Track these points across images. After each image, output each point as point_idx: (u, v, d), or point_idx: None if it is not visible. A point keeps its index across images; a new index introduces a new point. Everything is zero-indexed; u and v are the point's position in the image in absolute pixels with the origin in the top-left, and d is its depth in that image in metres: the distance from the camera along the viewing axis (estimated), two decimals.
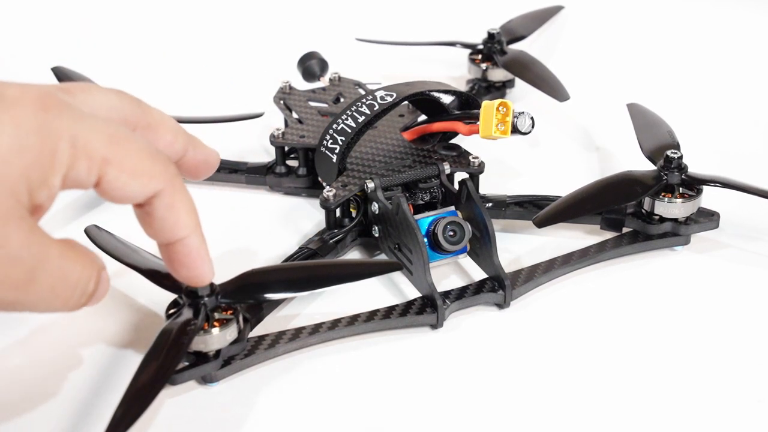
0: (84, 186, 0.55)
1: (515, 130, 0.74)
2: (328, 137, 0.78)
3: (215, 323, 0.64)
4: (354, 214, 0.77)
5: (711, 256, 0.77)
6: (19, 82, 0.54)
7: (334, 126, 0.78)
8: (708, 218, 0.78)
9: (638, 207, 0.78)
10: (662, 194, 0.76)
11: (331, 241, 0.76)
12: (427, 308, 0.70)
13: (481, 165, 0.79)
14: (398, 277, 0.74)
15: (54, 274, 0.54)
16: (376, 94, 0.79)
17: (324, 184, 0.78)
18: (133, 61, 1.10)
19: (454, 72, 1.03)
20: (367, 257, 0.78)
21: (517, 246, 0.78)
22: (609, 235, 0.78)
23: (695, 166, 0.78)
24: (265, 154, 0.89)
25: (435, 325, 0.70)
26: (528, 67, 0.96)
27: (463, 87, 0.99)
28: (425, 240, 0.71)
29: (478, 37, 1.00)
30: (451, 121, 0.80)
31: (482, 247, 0.73)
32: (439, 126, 0.81)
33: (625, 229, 0.78)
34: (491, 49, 0.99)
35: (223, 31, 1.17)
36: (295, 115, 0.86)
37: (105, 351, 0.68)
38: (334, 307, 0.71)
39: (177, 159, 0.62)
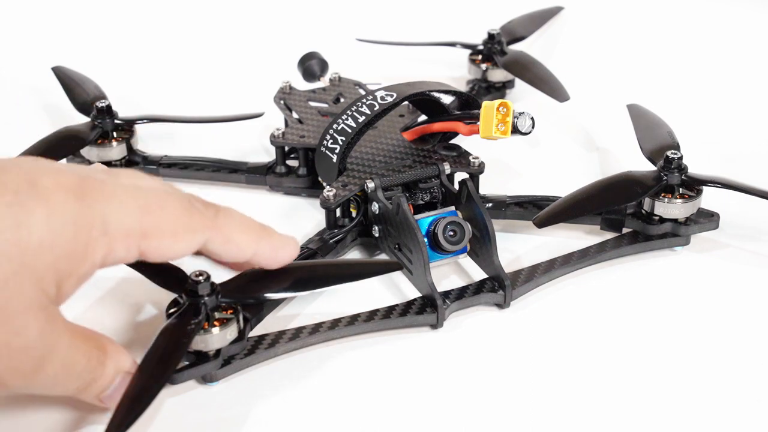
0: (128, 261, 0.56)
1: (515, 130, 0.74)
2: (328, 137, 0.78)
3: (215, 322, 0.64)
4: (354, 214, 0.77)
5: (711, 256, 0.77)
6: (57, 167, 0.54)
7: (335, 126, 0.78)
8: (708, 219, 0.78)
9: (638, 207, 0.78)
10: (662, 195, 0.76)
11: (331, 241, 0.76)
12: (427, 308, 0.70)
13: (481, 165, 0.79)
14: (398, 277, 0.74)
15: (60, 363, 0.54)
16: (376, 94, 0.78)
17: (324, 184, 0.78)
18: (133, 61, 1.10)
19: (454, 72, 1.03)
20: (367, 257, 0.78)
21: (517, 246, 0.78)
22: (609, 235, 0.78)
23: (695, 167, 0.78)
24: (265, 154, 0.89)
25: (435, 325, 0.70)
26: (528, 67, 0.96)
27: (463, 87, 0.99)
28: (425, 240, 0.71)
29: (478, 38, 1.00)
30: (451, 121, 0.80)
31: (482, 247, 0.73)
32: (439, 126, 0.81)
33: (625, 230, 0.78)
34: (491, 50, 0.99)
35: (223, 31, 1.17)
36: (295, 115, 0.86)
37: None
38: (334, 307, 0.71)
39: (248, 258, 0.61)
